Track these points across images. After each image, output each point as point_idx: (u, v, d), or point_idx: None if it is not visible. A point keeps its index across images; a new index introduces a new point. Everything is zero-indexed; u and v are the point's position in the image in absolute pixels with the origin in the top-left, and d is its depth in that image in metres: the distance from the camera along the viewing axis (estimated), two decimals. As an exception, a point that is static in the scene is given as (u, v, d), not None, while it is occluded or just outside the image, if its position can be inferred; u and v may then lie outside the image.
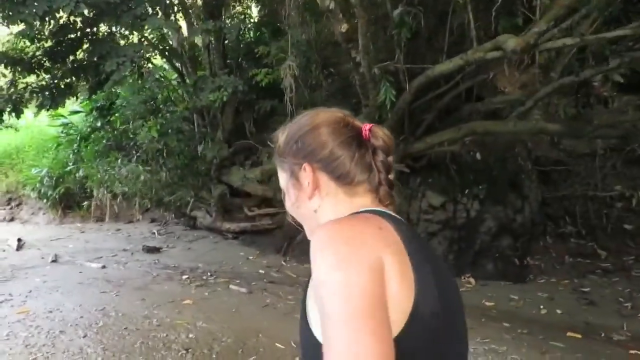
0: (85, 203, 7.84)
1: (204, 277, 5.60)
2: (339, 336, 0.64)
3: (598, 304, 4.67)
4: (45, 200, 9.10)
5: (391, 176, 0.89)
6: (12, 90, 5.05)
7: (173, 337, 3.55)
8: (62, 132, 9.99)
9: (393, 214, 0.84)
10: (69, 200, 9.24)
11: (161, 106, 6.02)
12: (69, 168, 8.97)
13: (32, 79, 5.26)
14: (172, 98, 7.04)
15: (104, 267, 6.13)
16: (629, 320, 4.23)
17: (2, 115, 5.09)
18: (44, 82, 5.11)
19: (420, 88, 4.62)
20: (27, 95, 5.05)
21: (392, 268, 0.69)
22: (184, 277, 5.60)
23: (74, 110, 9.61)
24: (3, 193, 10.15)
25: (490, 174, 5.95)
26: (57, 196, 8.96)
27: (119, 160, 5.92)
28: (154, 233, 7.76)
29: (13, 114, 4.98)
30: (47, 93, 4.97)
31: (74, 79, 5.11)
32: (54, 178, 9.04)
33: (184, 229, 8.02)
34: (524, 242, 5.87)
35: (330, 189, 0.87)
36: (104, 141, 6.51)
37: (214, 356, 3.23)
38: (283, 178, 0.94)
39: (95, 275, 5.74)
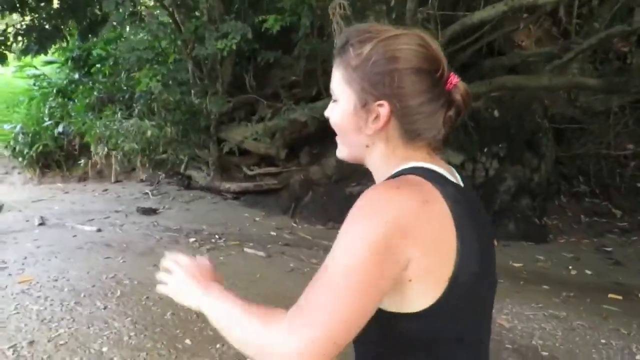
0: (82, 161, 7.22)
1: (212, 240, 5.27)
2: (327, 289, 0.68)
3: (623, 263, 4.64)
4: (20, 159, 8.40)
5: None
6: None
7: (204, 307, 3.25)
8: (34, 84, 9.16)
9: (440, 169, 0.82)
10: (47, 158, 8.57)
11: (161, 55, 5.41)
12: (46, 124, 8.25)
13: (14, 19, 4.57)
14: (163, 47, 6.41)
15: (99, 230, 5.69)
16: (659, 280, 4.20)
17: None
18: (28, 23, 4.41)
19: (454, 37, 4.26)
20: (10, 38, 4.39)
21: (424, 253, 0.71)
22: (191, 240, 5.25)
23: (48, 60, 8.77)
24: (-30, 151, 9.32)
25: (509, 132, 5.75)
26: (34, 154, 8.28)
27: (119, 114, 5.35)
28: (147, 193, 7.28)
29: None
30: (33, 36, 4.31)
31: (61, 21, 4.45)
32: (30, 135, 8.32)
33: (178, 189, 7.56)
34: (540, 201, 5.78)
35: (393, 136, 0.83)
36: (95, 93, 5.87)
37: (257, 328, 2.96)
38: (345, 91, 0.84)
39: (92, 239, 5.31)
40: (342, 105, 0.85)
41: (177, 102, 5.27)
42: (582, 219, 5.68)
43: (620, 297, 3.71)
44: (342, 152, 0.90)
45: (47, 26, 4.36)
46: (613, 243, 5.12)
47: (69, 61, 8.73)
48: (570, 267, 4.49)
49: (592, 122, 6.28)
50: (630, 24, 4.07)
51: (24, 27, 4.44)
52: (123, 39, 8.07)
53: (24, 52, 4.51)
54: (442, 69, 0.81)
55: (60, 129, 8.11)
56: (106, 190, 7.91)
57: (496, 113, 5.83)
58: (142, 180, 8.19)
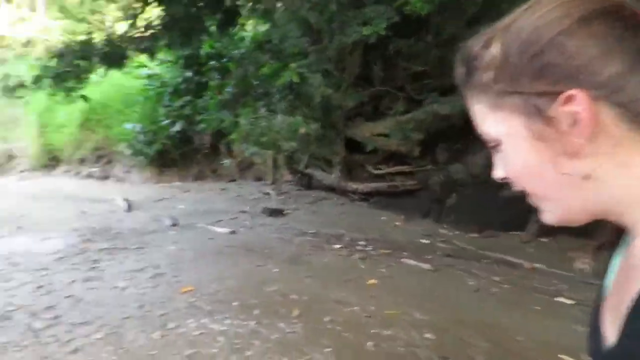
0: (227, 161, 7.13)
1: (358, 248, 4.80)
2: None
3: None
4: (140, 158, 8.53)
5: None
6: (134, 27, 4.15)
7: (403, 336, 2.73)
8: (148, 84, 9.28)
9: None
10: (164, 157, 8.65)
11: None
12: (163, 123, 8.29)
13: (153, 11, 4.31)
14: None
15: (233, 232, 5.46)
16: None
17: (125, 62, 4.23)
18: (168, 15, 4.15)
19: None
20: (157, 32, 4.16)
21: None
22: (335, 246, 4.82)
23: (160, 60, 8.81)
24: (92, 150, 9.69)
25: None
26: (153, 153, 8.36)
27: (262, 111, 5.06)
28: (268, 193, 7.02)
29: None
30: (178, 28, 4.05)
31: (201, 11, 4.15)
32: (148, 134, 8.41)
33: (298, 189, 7.25)
34: None
35: (621, 138, 0.46)
36: (229, 89, 5.70)
37: (489, 371, 2.40)
38: (503, 123, 0.52)
39: (229, 242, 5.06)
40: (511, 146, 0.52)
41: (321, 96, 4.87)
42: None
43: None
44: (554, 212, 0.54)
45: (189, 17, 4.06)
46: None
47: (180, 60, 8.72)
48: None
49: None
50: None
51: (167, 20, 4.21)
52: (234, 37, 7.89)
53: (169, 46, 4.29)
54: (624, 5, 0.46)
55: (177, 127, 8.10)
56: (224, 189, 7.78)
57: None
58: (257, 179, 7.99)
